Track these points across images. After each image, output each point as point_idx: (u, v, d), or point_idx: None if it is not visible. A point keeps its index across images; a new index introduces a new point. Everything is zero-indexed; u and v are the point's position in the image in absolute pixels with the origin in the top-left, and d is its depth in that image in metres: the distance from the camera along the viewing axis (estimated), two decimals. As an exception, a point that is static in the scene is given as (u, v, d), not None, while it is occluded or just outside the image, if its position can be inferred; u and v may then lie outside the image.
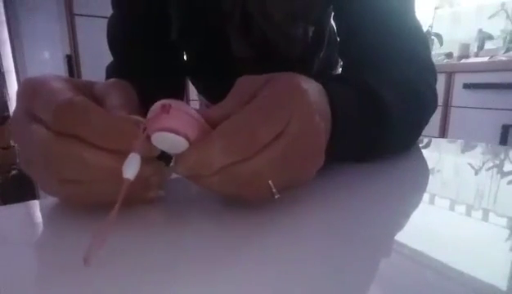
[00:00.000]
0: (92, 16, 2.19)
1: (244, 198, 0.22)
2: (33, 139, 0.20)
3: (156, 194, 0.24)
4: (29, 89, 0.21)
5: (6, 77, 2.08)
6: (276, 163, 0.20)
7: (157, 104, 0.20)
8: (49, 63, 2.23)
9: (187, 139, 0.19)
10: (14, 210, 0.25)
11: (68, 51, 2.23)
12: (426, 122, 0.40)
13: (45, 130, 0.19)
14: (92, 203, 0.22)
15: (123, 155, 0.19)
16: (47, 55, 2.23)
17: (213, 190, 0.21)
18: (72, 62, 2.24)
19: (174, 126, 0.19)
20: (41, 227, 0.22)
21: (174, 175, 0.29)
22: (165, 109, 0.19)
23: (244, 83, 0.23)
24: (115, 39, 0.49)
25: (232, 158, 0.19)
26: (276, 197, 0.21)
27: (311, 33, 0.48)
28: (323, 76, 0.60)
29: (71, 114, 0.19)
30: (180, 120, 0.19)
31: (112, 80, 0.27)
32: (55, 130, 0.19)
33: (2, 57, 2.04)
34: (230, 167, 0.19)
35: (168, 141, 0.20)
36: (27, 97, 0.21)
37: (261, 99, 0.20)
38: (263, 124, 0.19)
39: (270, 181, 0.20)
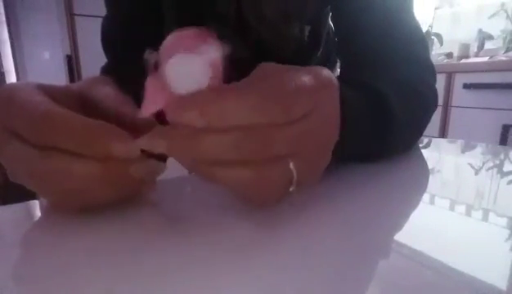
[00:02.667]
0: (92, 16, 2.19)
1: (250, 187, 0.18)
2: (17, 156, 0.20)
3: (150, 189, 0.24)
4: (2, 100, 0.20)
5: (6, 77, 2.08)
6: (296, 143, 0.18)
7: (174, 34, 0.17)
8: (49, 63, 2.23)
9: (207, 75, 0.16)
10: (14, 210, 0.25)
11: (68, 51, 2.23)
12: (427, 122, 0.40)
13: (27, 146, 0.19)
14: (84, 208, 0.22)
15: (107, 160, 0.19)
16: (47, 55, 2.23)
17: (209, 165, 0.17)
18: (72, 62, 2.24)
19: (196, 51, 0.16)
20: (41, 227, 0.22)
21: (174, 175, 0.29)
22: (189, 37, 0.16)
23: (267, 70, 0.20)
24: (109, 40, 0.49)
25: (258, 118, 0.16)
26: (291, 189, 0.19)
27: (307, 33, 0.48)
28: None
29: (49, 127, 0.19)
30: (200, 52, 0.16)
31: (93, 76, 0.27)
32: (36, 145, 0.19)
33: (2, 57, 2.05)
34: (247, 129, 0.16)
35: (186, 70, 0.16)
36: (2, 110, 0.20)
37: (293, 74, 0.18)
38: (297, 98, 0.17)
39: (291, 163, 0.18)
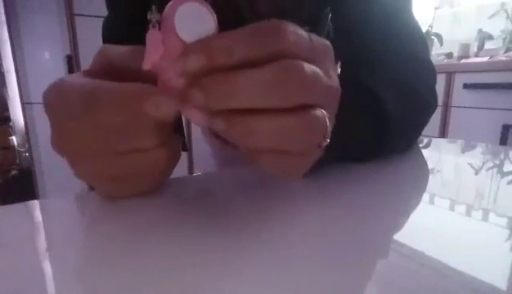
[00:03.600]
0: (92, 16, 2.19)
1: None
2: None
3: (165, 178, 0.25)
4: (53, 91, 0.21)
5: (6, 77, 2.08)
6: (325, 93, 0.19)
7: None
8: (49, 63, 2.23)
9: (214, 25, 0.17)
10: (14, 210, 0.25)
11: (68, 51, 2.23)
12: (426, 122, 0.40)
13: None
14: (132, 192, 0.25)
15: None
16: (47, 55, 2.23)
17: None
18: (72, 62, 2.24)
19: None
20: (41, 227, 0.22)
21: (175, 175, 0.29)
22: None
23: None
24: (110, 41, 0.49)
25: (256, 44, 0.16)
26: (325, 144, 0.19)
27: None
28: None
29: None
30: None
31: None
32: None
33: (2, 57, 2.04)
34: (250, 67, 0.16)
35: (195, 17, 0.17)
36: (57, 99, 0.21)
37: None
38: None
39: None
